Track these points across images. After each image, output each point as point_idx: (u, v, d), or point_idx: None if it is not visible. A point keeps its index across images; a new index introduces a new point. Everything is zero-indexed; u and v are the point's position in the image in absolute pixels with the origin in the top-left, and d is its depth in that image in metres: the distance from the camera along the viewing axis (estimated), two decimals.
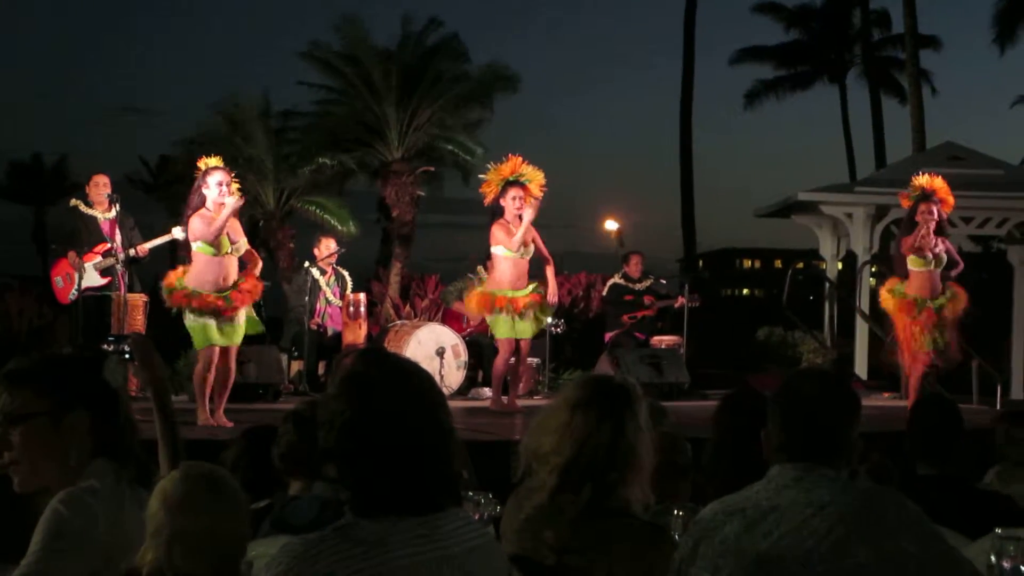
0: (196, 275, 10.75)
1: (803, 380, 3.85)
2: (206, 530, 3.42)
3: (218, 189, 10.70)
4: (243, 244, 10.91)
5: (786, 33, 51.55)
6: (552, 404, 4.04)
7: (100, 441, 3.74)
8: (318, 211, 21.04)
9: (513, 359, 12.78)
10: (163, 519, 3.41)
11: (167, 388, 4.45)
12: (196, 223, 10.69)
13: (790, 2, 50.70)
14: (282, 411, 5.24)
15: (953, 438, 5.78)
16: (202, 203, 10.73)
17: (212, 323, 10.69)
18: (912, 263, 12.85)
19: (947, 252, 12.96)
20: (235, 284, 10.81)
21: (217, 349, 10.77)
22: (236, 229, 10.85)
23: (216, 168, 10.86)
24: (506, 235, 12.39)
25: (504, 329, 12.54)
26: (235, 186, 11.04)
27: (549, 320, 14.04)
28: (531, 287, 12.61)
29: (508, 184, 12.43)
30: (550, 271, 12.91)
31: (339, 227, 20.81)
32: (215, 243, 10.65)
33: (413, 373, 2.95)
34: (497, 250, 12.51)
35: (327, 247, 15.52)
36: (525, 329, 12.65)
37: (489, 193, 12.55)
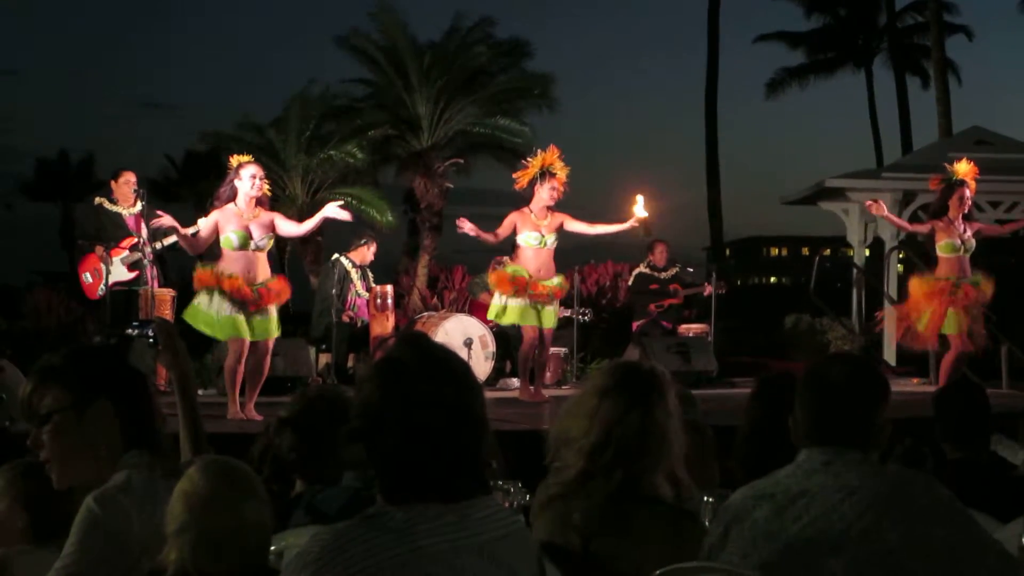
0: (224, 268, 10.76)
1: (830, 365, 3.85)
2: (230, 527, 3.37)
3: (251, 182, 10.76)
4: (268, 242, 10.90)
5: (807, 19, 51.56)
6: (581, 391, 4.03)
7: (130, 430, 3.73)
8: (354, 203, 20.89)
9: (537, 349, 12.81)
10: (187, 519, 3.35)
11: (190, 374, 4.43)
12: (207, 222, 10.81)
13: None
14: None
15: (980, 422, 5.77)
16: (233, 196, 10.78)
17: (240, 316, 10.68)
18: (942, 250, 12.83)
19: (977, 232, 12.93)
20: (264, 282, 10.81)
21: (247, 342, 10.77)
22: (264, 225, 10.84)
23: (250, 163, 10.92)
24: (521, 221, 12.46)
25: (527, 317, 12.55)
26: (266, 184, 11.13)
27: (576, 309, 14.07)
28: (557, 280, 12.63)
29: (547, 174, 12.46)
30: (603, 226, 13.03)
31: (378, 217, 20.68)
32: (236, 238, 10.68)
33: (447, 360, 2.94)
34: (520, 239, 12.54)
35: (369, 249, 15.50)
36: (548, 317, 12.67)
37: (523, 180, 12.58)
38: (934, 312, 12.82)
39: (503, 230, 12.54)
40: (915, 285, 13.13)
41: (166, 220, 11.24)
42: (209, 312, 10.67)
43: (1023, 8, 39.26)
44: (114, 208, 13.07)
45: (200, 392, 13.14)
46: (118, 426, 3.71)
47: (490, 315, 13.07)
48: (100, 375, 3.75)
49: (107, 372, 3.78)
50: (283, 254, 19.66)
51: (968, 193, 12.85)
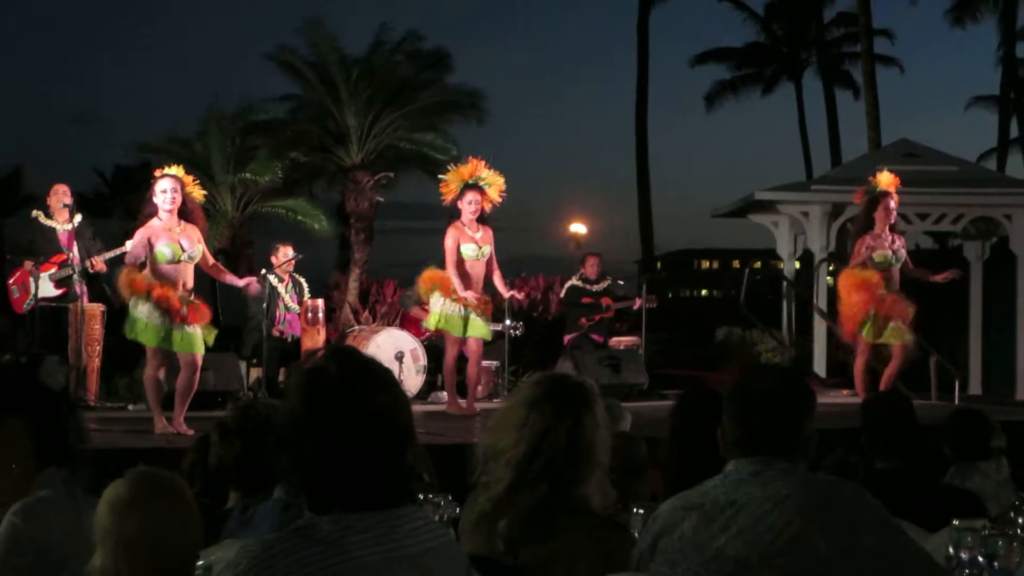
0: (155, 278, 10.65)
1: (756, 376, 3.88)
2: (153, 536, 3.35)
3: (162, 196, 10.62)
4: (198, 251, 10.79)
5: (743, 25, 51.96)
6: (509, 403, 4.02)
7: (44, 448, 3.70)
8: (289, 214, 20.80)
9: (469, 361, 12.82)
10: (109, 525, 3.34)
11: None
12: (135, 240, 10.68)
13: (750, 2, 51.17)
14: None
15: (907, 433, 5.81)
16: (154, 212, 10.64)
17: (163, 327, 10.54)
18: (876, 263, 12.89)
19: (903, 248, 13.09)
20: (191, 298, 10.70)
21: (164, 353, 10.68)
22: (191, 237, 10.73)
23: (166, 175, 10.78)
24: (460, 235, 12.42)
25: (453, 326, 12.52)
26: (199, 191, 11.06)
27: (508, 323, 14.10)
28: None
29: (466, 187, 12.43)
30: (497, 279, 12.99)
31: (314, 226, 20.64)
32: (169, 251, 10.57)
33: (370, 370, 2.93)
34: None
35: (284, 254, 15.43)
36: (477, 328, 12.64)
37: (448, 194, 12.55)
38: (858, 304, 12.92)
39: (453, 255, 12.48)
40: (846, 279, 13.16)
41: (99, 265, 11.30)
42: (140, 318, 10.57)
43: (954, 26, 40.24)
44: (49, 223, 12.94)
45: (131, 408, 13.13)
46: (31, 445, 3.68)
47: (430, 324, 12.96)
48: (13, 392, 3.73)
49: (20, 390, 3.76)
50: None
51: (893, 204, 12.95)
